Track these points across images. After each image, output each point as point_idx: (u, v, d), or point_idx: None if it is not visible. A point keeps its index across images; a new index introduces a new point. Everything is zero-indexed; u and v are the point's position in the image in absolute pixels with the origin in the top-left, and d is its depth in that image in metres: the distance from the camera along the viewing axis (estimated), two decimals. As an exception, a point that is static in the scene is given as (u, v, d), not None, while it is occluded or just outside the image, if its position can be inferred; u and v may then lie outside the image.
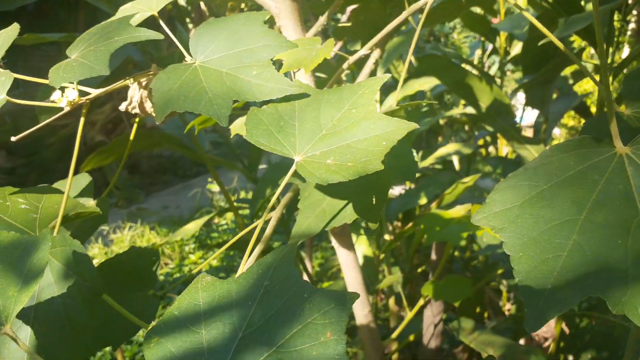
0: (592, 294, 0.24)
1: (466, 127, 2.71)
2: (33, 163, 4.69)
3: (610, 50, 0.94)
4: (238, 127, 0.66)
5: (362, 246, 1.27)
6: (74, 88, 0.39)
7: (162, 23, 0.50)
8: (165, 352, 0.23)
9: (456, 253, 1.51)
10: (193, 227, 1.27)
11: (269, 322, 0.23)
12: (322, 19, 0.65)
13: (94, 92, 0.42)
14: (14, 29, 0.47)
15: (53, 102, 0.40)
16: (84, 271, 0.33)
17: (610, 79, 1.00)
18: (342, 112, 0.36)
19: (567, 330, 0.97)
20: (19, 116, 5.60)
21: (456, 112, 1.97)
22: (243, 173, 1.41)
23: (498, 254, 1.03)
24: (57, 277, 0.33)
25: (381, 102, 1.37)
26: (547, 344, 0.96)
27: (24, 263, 0.27)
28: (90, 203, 0.48)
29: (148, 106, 0.46)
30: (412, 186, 1.95)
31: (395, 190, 2.36)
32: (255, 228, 0.40)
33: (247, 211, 1.58)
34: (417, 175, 1.95)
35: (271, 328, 0.23)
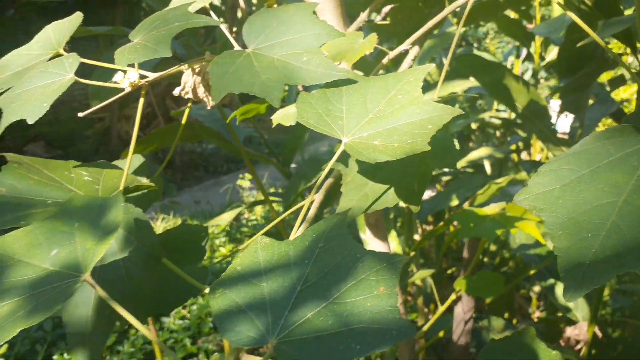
0: (629, 270, 0.25)
1: (498, 133, 2.68)
2: (70, 154, 4.86)
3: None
4: (279, 117, 0.68)
5: (393, 243, 1.28)
6: (135, 71, 0.42)
7: (212, 14, 0.53)
8: (229, 302, 0.26)
9: (485, 259, 1.50)
10: (227, 216, 1.31)
11: (325, 278, 0.25)
12: (364, 15, 0.67)
13: (152, 75, 0.45)
14: (77, 17, 0.51)
15: (115, 82, 0.43)
16: (145, 237, 0.36)
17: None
18: (388, 97, 0.38)
19: (599, 334, 0.96)
20: (59, 107, 5.79)
21: (489, 114, 1.96)
22: (277, 168, 1.44)
23: (530, 255, 1.02)
24: (120, 242, 0.36)
25: None
26: (578, 346, 0.95)
27: (99, 221, 0.30)
28: (144, 180, 0.51)
29: (201, 91, 0.49)
30: (442, 189, 1.95)
31: (425, 194, 2.36)
32: (300, 208, 0.43)
33: (276, 206, 1.62)
34: (447, 178, 1.94)
35: (326, 283, 0.25)
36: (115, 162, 0.57)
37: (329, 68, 0.39)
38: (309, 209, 0.40)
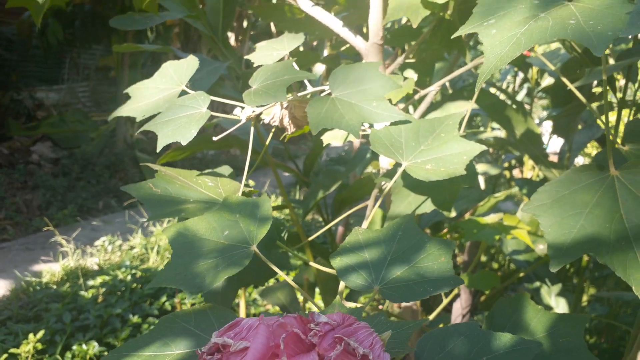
0: (589, 251, 0.41)
1: (490, 150, 2.87)
2: (76, 155, 4.99)
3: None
4: (328, 138, 0.85)
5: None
6: (250, 107, 0.59)
7: (294, 64, 0.69)
8: (345, 263, 0.42)
9: (483, 258, 1.68)
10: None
11: (405, 252, 0.42)
12: (400, 59, 0.85)
13: (258, 110, 0.61)
14: (193, 61, 0.67)
15: (235, 115, 0.59)
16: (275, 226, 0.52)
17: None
18: (434, 134, 0.55)
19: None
20: (63, 109, 5.89)
21: (487, 135, 2.14)
22: (296, 176, 1.60)
23: (520, 261, 1.20)
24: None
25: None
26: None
27: (256, 213, 0.46)
28: (248, 188, 0.67)
29: (285, 121, 0.66)
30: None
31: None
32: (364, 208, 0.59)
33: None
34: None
35: (407, 255, 0.41)
36: (208, 171, 0.73)
37: (392, 111, 0.56)
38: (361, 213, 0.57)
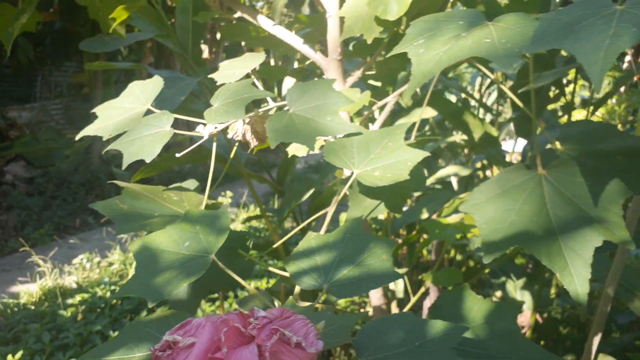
0: (518, 244, 0.46)
1: (465, 151, 2.95)
2: (50, 174, 4.93)
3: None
4: (293, 149, 0.88)
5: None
6: (213, 125, 0.62)
7: (255, 80, 0.73)
8: (298, 267, 0.45)
9: (457, 256, 1.74)
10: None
11: (352, 253, 0.45)
12: (358, 73, 0.89)
13: (221, 126, 0.65)
14: (158, 81, 0.70)
15: (198, 132, 0.63)
16: (242, 240, 0.56)
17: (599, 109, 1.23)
18: (382, 144, 0.59)
19: (540, 319, 1.19)
20: (36, 127, 5.81)
21: (455, 138, 2.21)
22: (270, 186, 1.63)
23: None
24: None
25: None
26: (523, 330, 1.17)
27: (215, 225, 0.49)
28: (213, 200, 0.70)
29: (248, 136, 0.69)
30: (414, 204, 2.18)
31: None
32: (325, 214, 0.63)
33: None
34: (419, 193, 2.18)
35: (353, 256, 0.45)
36: (174, 186, 0.76)
37: (345, 125, 0.60)
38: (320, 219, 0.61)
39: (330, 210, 0.66)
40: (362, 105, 0.73)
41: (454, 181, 2.33)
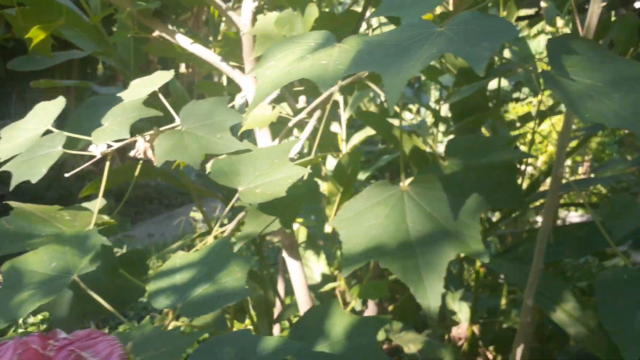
0: (374, 258, 0.47)
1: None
2: (22, 191, 4.86)
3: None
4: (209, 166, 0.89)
5: (321, 265, 1.50)
6: (104, 144, 0.63)
7: (161, 96, 0.74)
8: (157, 287, 0.46)
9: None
10: (175, 247, 1.49)
11: (211, 272, 0.46)
12: (275, 92, 0.90)
13: (115, 145, 0.66)
14: (60, 102, 0.71)
15: (90, 152, 0.63)
16: (108, 256, 0.56)
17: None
18: (269, 161, 0.60)
19: (477, 332, 1.20)
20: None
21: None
22: (222, 201, 1.64)
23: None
24: (93, 259, 0.56)
25: (347, 139, 1.62)
26: (460, 343, 1.19)
27: (83, 245, 0.50)
28: (105, 218, 0.71)
29: (149, 153, 0.70)
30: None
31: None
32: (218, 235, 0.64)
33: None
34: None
35: (212, 274, 0.46)
36: (85, 204, 0.76)
37: (234, 142, 0.61)
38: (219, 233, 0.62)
39: (231, 225, 0.67)
40: (269, 122, 0.74)
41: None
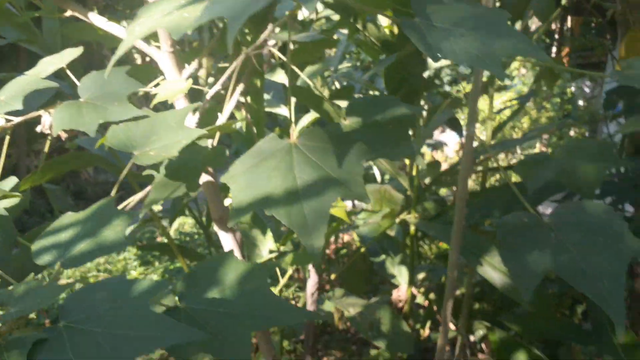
0: (261, 207, 0.49)
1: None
2: None
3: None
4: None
5: (268, 242, 1.52)
6: (1, 117, 0.62)
7: (68, 72, 0.73)
8: (42, 245, 0.47)
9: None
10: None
11: (95, 228, 0.47)
12: (194, 64, 0.91)
13: (16, 119, 0.65)
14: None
15: (-13, 126, 0.63)
16: (4, 226, 0.56)
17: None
18: (166, 125, 0.61)
19: (416, 293, 1.24)
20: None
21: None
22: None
23: (367, 237, 1.29)
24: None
25: (296, 122, 1.63)
26: (400, 305, 1.23)
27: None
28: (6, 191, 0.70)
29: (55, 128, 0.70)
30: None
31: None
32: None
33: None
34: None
35: (95, 230, 0.47)
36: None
37: (130, 109, 0.61)
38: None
39: (138, 196, 0.68)
40: (178, 94, 0.75)
41: (377, 172, 2.38)
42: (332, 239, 2.09)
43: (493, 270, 1.03)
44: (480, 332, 1.22)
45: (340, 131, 0.56)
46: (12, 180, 0.75)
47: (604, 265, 0.62)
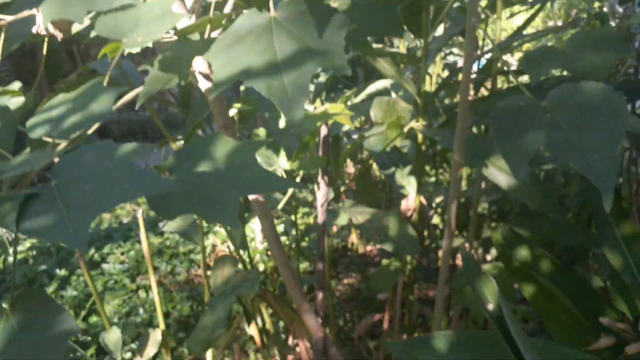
0: (241, 79, 0.50)
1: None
2: None
3: None
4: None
5: (282, 161, 1.55)
6: (-6, 13, 0.64)
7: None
8: (34, 122, 0.49)
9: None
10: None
11: (85, 103, 0.49)
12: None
13: (9, 18, 0.66)
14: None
15: (-18, 23, 0.64)
16: (6, 116, 0.59)
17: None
18: (151, 13, 0.61)
19: (425, 202, 1.26)
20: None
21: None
22: (174, 106, 1.65)
23: (377, 152, 1.29)
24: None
25: None
26: (409, 214, 1.25)
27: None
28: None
29: (50, 28, 0.71)
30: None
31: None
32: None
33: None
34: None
35: (85, 104, 0.49)
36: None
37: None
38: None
39: (132, 92, 0.69)
40: None
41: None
42: (351, 163, 2.11)
43: (499, 171, 1.02)
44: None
45: (321, 2, 0.55)
46: (16, 85, 0.77)
47: (597, 141, 0.62)
